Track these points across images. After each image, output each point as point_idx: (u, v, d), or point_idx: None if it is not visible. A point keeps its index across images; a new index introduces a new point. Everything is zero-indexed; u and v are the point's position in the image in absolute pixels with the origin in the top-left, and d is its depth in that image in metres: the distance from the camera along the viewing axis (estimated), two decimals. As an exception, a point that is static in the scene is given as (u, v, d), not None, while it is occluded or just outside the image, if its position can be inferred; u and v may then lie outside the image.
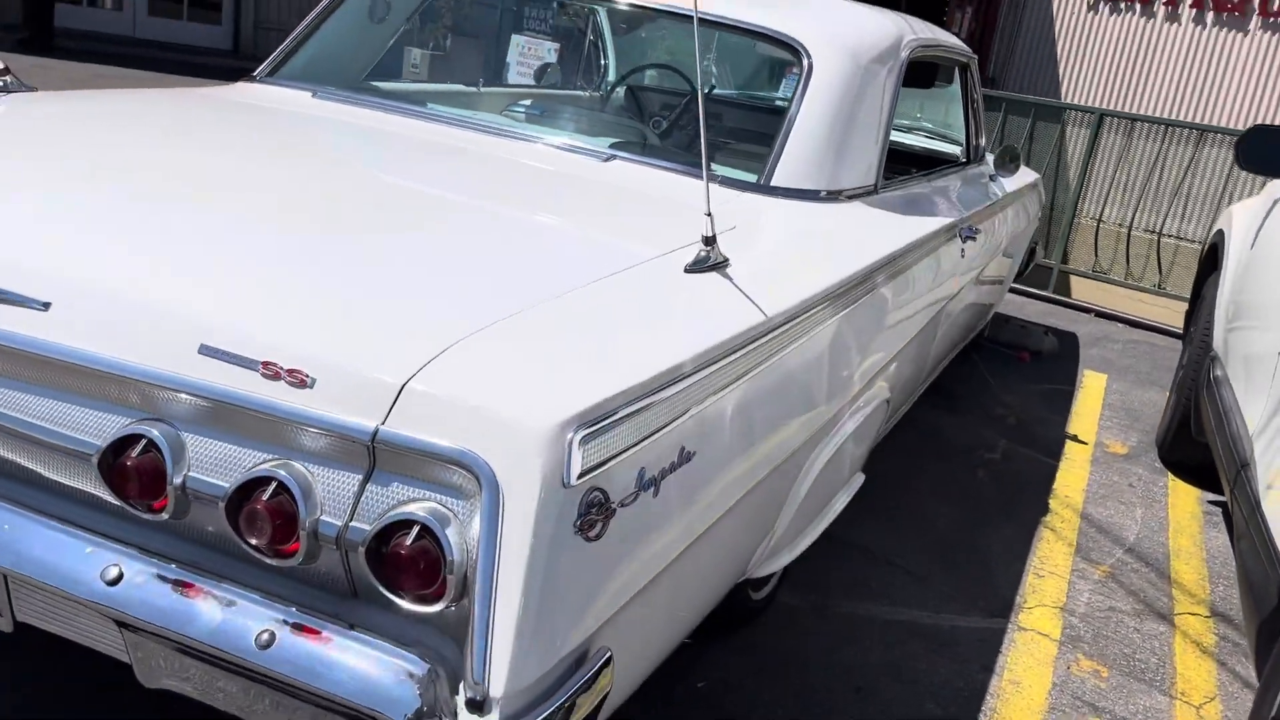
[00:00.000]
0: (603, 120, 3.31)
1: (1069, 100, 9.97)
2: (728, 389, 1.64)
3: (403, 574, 1.25)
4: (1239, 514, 2.69)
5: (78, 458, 1.43)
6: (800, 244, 2.28)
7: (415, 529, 1.25)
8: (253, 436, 1.35)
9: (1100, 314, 6.80)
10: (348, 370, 1.31)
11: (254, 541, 1.31)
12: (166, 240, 1.58)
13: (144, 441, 1.36)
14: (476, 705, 1.23)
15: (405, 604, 1.29)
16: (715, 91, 3.71)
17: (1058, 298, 7.04)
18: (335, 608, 1.37)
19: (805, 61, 2.58)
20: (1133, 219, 7.69)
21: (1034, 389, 5.00)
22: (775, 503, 2.08)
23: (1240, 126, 8.33)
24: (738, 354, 1.66)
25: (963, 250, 3.31)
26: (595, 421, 1.31)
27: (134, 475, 1.35)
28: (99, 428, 1.41)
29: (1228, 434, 3.06)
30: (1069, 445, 4.34)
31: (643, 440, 1.39)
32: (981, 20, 11.24)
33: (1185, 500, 3.98)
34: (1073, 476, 4.02)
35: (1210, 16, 9.73)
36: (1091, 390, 5.16)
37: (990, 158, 4.25)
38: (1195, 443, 3.94)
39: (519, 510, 1.23)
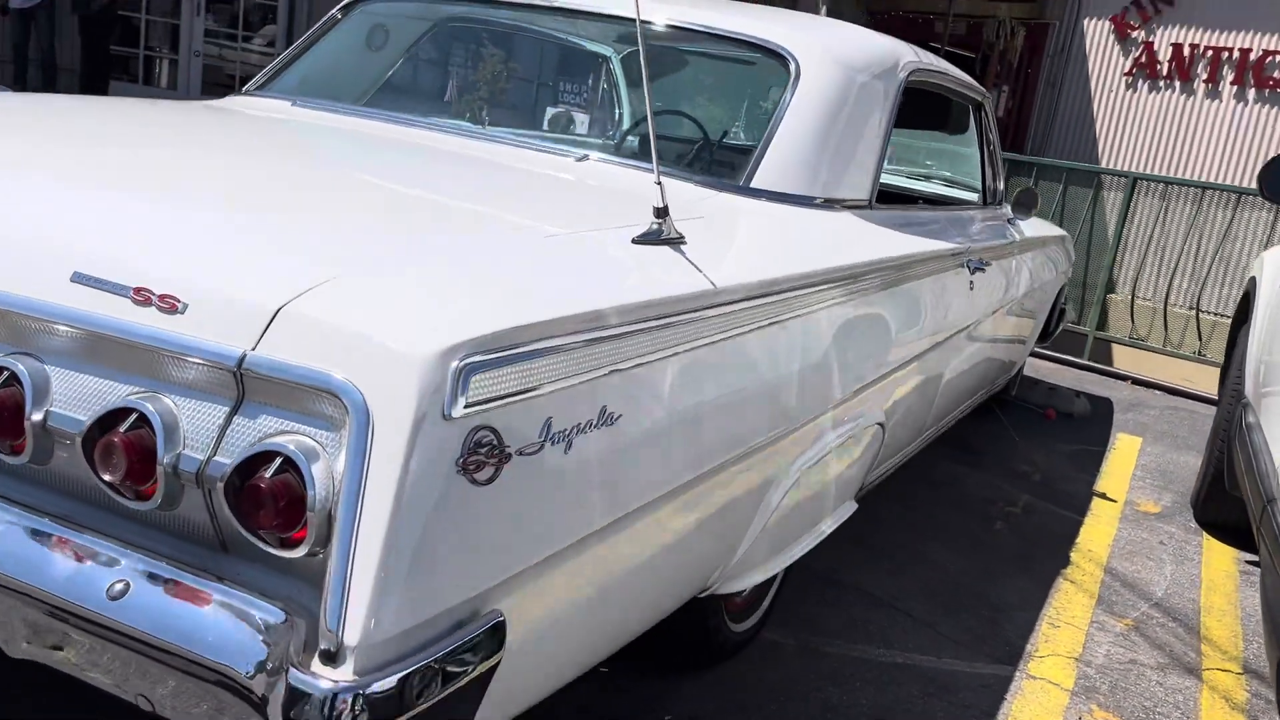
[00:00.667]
0: (593, 136, 3.24)
1: (1108, 175, 9.83)
2: (664, 356, 1.51)
3: (261, 510, 1.12)
4: (1265, 551, 2.48)
5: (-62, 396, 1.32)
6: (770, 236, 2.16)
7: (277, 461, 1.13)
8: (121, 369, 1.24)
9: (1137, 381, 6.55)
10: (221, 295, 1.21)
11: (108, 478, 1.19)
12: (52, 177, 1.51)
13: (4, 375, 1.26)
14: (330, 656, 1.08)
15: (267, 547, 1.15)
16: (710, 105, 3.66)
17: (1092, 364, 6.81)
18: (206, 562, 1.24)
19: (792, 68, 2.49)
20: (1169, 290, 7.46)
21: (1063, 448, 4.77)
22: (740, 509, 1.92)
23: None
24: (677, 319, 1.53)
25: (971, 282, 3.17)
26: (487, 352, 1.18)
27: (-11, 410, 1.24)
28: (-37, 364, 1.31)
29: (1256, 474, 2.85)
30: (1096, 502, 4.11)
31: (548, 384, 1.26)
32: (1019, 98, 11.20)
33: (1220, 559, 3.73)
34: (1098, 532, 3.79)
35: (1252, 93, 9.60)
36: (1124, 452, 4.92)
37: (1009, 205, 4.11)
38: (1231, 499, 3.70)
39: (388, 440, 1.10)
